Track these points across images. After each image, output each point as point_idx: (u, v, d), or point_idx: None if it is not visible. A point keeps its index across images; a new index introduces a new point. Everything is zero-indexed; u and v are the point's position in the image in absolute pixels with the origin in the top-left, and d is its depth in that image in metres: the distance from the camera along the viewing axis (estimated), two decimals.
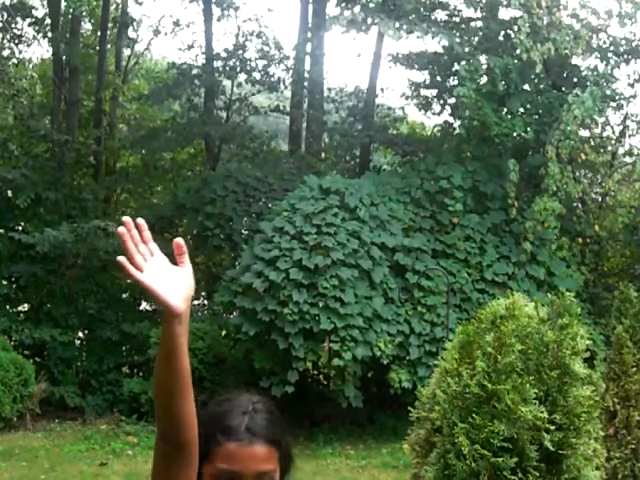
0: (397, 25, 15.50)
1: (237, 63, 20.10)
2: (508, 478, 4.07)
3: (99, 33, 20.90)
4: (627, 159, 17.04)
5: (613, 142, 17.24)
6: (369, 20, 16.58)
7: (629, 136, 17.36)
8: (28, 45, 21.08)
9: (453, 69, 17.17)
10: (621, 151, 17.40)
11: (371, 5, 15.29)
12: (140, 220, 1.72)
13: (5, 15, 19.99)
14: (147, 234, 1.74)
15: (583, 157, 15.63)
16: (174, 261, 1.81)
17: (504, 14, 16.67)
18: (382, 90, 21.06)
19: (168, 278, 1.75)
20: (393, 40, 16.15)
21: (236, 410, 1.93)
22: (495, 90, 15.18)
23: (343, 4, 18.38)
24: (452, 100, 18.39)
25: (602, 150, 16.80)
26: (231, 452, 1.86)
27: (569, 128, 14.32)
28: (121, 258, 1.67)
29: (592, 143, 16.51)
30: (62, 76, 18.94)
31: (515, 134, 15.35)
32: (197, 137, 20.19)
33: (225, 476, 1.85)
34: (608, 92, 15.38)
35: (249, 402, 1.95)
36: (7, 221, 17.61)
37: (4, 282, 16.97)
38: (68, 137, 17.97)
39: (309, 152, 19.41)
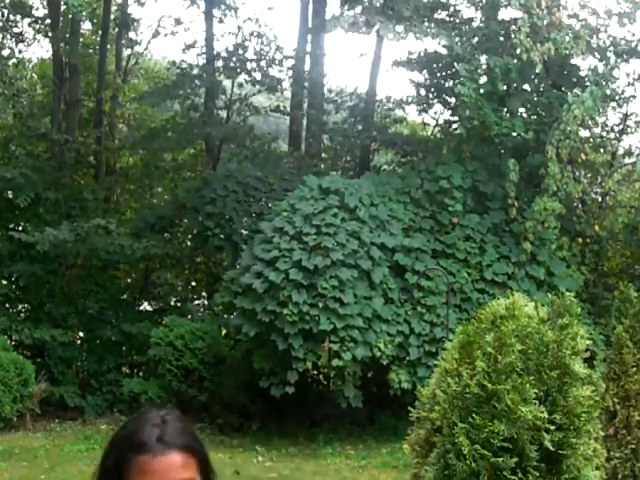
0: (397, 28, 15.51)
1: (237, 63, 20.10)
2: (508, 478, 4.07)
3: (99, 33, 20.91)
4: (627, 159, 17.03)
5: (613, 142, 17.23)
6: (368, 21, 16.59)
7: (629, 134, 17.37)
8: (28, 45, 21.08)
9: (453, 69, 17.17)
10: (621, 151, 17.40)
11: (377, 3, 15.26)
12: None
13: (5, 14, 19.98)
14: None
15: (583, 157, 15.62)
16: None
17: (504, 14, 16.70)
18: (385, 98, 21.07)
19: None
20: (393, 41, 16.16)
21: (146, 425, 1.83)
22: (495, 90, 15.17)
23: (346, 6, 18.40)
24: (452, 100, 18.40)
25: (602, 150, 16.80)
26: (144, 466, 1.76)
27: (569, 128, 14.32)
28: None
29: (592, 143, 16.51)
30: (62, 76, 18.94)
31: (515, 134, 15.35)
32: (197, 137, 20.19)
33: None
34: (608, 92, 15.38)
35: (157, 415, 1.86)
36: (7, 221, 17.61)
37: (4, 282, 16.98)
38: (68, 137, 17.97)
39: (309, 152, 19.41)
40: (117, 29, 21.50)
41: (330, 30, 17.29)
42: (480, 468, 4.12)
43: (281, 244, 13.60)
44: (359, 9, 17.75)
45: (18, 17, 20.23)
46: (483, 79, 15.71)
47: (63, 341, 15.84)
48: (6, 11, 19.87)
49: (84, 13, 16.27)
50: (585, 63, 16.69)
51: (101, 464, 1.86)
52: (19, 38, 20.73)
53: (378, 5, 17.28)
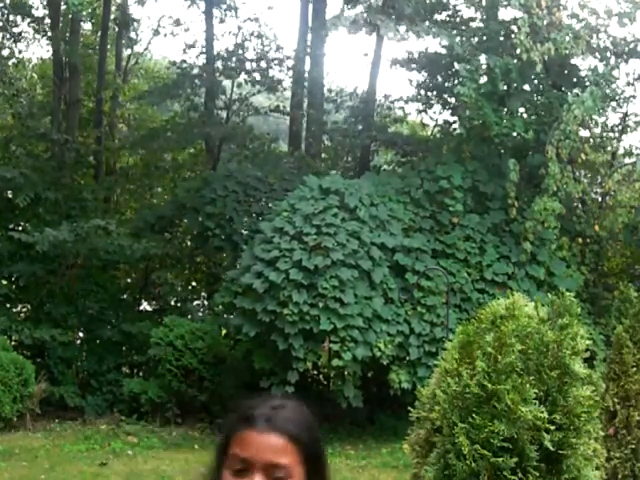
0: (397, 27, 15.51)
1: (237, 63, 20.10)
2: (508, 478, 4.07)
3: (99, 33, 20.91)
4: (627, 159, 17.03)
5: (613, 142, 17.23)
6: (370, 21, 16.58)
7: (629, 134, 17.38)
8: (28, 45, 21.10)
9: (453, 69, 17.17)
10: (621, 151, 17.40)
11: (377, 2, 15.25)
12: None
13: (5, 14, 19.98)
14: None
15: (583, 157, 15.62)
16: None
17: (504, 14, 16.70)
18: (384, 96, 21.06)
19: None
20: (393, 40, 16.16)
21: (264, 404, 1.88)
22: (495, 90, 15.17)
23: (348, 5, 18.39)
24: (452, 100, 18.40)
25: (602, 150, 16.80)
26: (246, 439, 1.80)
27: (569, 128, 14.32)
28: None
29: (592, 143, 16.51)
30: (62, 76, 18.94)
31: (515, 134, 15.35)
32: (197, 137, 20.18)
33: (236, 463, 1.79)
34: (608, 92, 15.38)
35: (280, 400, 1.91)
36: (7, 221, 17.61)
37: (4, 282, 16.97)
38: (68, 137, 17.97)
39: (309, 152, 19.40)
40: (117, 29, 21.50)
41: (330, 30, 17.28)
42: (480, 468, 4.12)
43: (281, 244, 13.60)
44: (360, 8, 17.76)
45: (18, 17, 20.22)
46: (483, 79, 15.71)
47: (63, 341, 15.83)
48: (6, 11, 19.86)
49: (84, 13, 16.28)
50: (585, 63, 16.72)
51: (220, 427, 1.96)
52: (19, 38, 20.73)
53: (379, 4, 17.27)
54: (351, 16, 17.02)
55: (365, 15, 16.76)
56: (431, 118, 20.23)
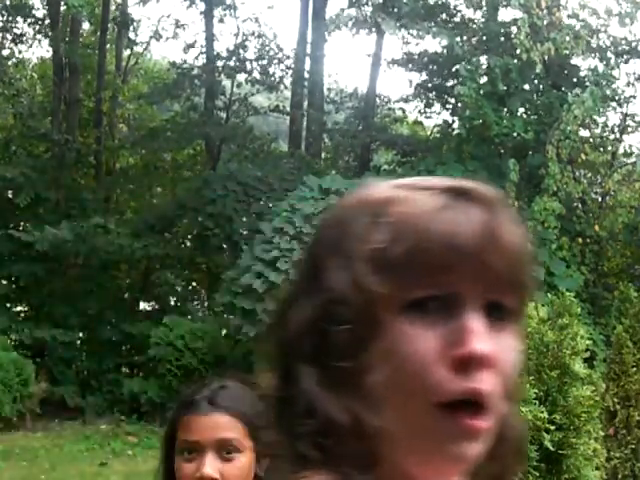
0: (398, 25, 15.50)
1: (237, 63, 20.09)
2: None
3: (99, 33, 20.89)
4: (627, 159, 17.03)
5: (613, 142, 17.23)
6: (370, 19, 16.59)
7: (629, 133, 17.37)
8: (29, 46, 21.08)
9: (453, 69, 17.16)
10: (621, 151, 17.40)
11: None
12: None
13: (5, 15, 19.98)
14: None
15: (583, 157, 15.62)
16: None
17: (504, 14, 16.69)
18: (385, 98, 21.04)
19: None
20: (394, 39, 16.17)
21: (205, 388, 1.91)
22: (495, 90, 15.16)
23: (347, 4, 18.38)
24: (452, 100, 18.39)
25: (602, 150, 16.80)
26: (190, 423, 1.84)
27: (569, 128, 14.32)
28: None
29: (592, 143, 16.51)
30: (62, 76, 18.93)
31: (515, 134, 15.34)
32: (197, 137, 20.17)
33: (186, 448, 1.83)
34: (608, 92, 15.38)
35: (221, 381, 1.93)
36: (7, 221, 17.61)
37: (4, 282, 16.97)
38: (68, 137, 17.97)
39: (309, 152, 19.40)
40: (117, 29, 21.49)
41: (330, 30, 17.29)
42: None
43: (281, 244, 13.59)
44: (361, 8, 17.75)
45: (18, 18, 20.21)
46: (483, 79, 15.71)
47: (63, 341, 15.83)
48: (6, 12, 19.85)
49: (84, 13, 16.27)
50: (585, 63, 16.71)
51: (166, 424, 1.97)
52: (19, 39, 20.72)
53: (380, 1, 17.26)
54: (352, 15, 17.01)
55: (366, 14, 16.75)
56: (432, 117, 20.24)
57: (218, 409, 1.85)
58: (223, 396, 1.87)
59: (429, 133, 20.91)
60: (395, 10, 16.69)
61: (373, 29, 17.74)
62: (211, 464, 1.81)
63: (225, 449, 1.83)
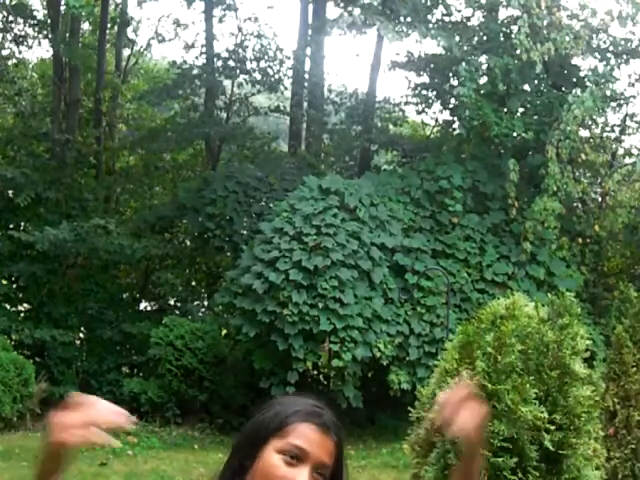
0: (396, 28, 15.50)
1: (237, 63, 20.08)
2: (508, 478, 4.07)
3: (98, 33, 20.90)
4: (627, 159, 17.04)
5: (613, 142, 17.23)
6: (368, 22, 16.58)
7: (629, 134, 17.38)
8: (29, 48, 21.06)
9: (453, 69, 17.16)
10: (621, 151, 17.41)
11: (375, 2, 15.23)
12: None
13: (6, 15, 19.97)
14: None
15: (583, 157, 15.62)
16: None
17: (504, 14, 16.69)
18: (384, 99, 21.02)
19: None
20: (393, 41, 16.14)
21: (307, 401, 1.97)
22: (495, 90, 15.18)
23: (342, 4, 18.36)
24: (452, 100, 18.39)
25: (602, 150, 16.81)
26: (308, 432, 1.89)
27: (569, 128, 14.33)
28: None
29: (592, 143, 16.51)
30: (62, 76, 18.93)
31: (515, 134, 15.35)
32: (197, 137, 20.17)
33: (294, 452, 1.87)
34: (608, 92, 15.39)
35: (315, 401, 1.99)
36: (7, 220, 17.61)
37: (4, 282, 16.96)
38: (69, 137, 17.98)
39: (309, 152, 19.40)
40: (117, 29, 21.49)
41: (329, 32, 17.30)
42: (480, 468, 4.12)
43: (281, 244, 13.60)
44: (358, 10, 17.74)
45: (19, 19, 20.21)
46: (483, 79, 15.72)
47: (63, 341, 15.84)
48: (6, 13, 19.85)
49: (84, 13, 16.26)
50: (585, 63, 16.72)
51: (259, 415, 1.96)
52: (20, 41, 20.72)
53: (376, 3, 17.25)
54: (350, 18, 17.01)
55: (362, 17, 16.74)
56: (432, 118, 20.23)
57: (330, 432, 1.92)
58: (332, 419, 1.94)
59: (429, 133, 20.92)
60: (393, 11, 16.69)
61: (368, 29, 17.70)
62: (308, 477, 1.86)
63: (320, 471, 1.88)
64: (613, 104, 16.55)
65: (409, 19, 16.25)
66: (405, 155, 19.77)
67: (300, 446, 1.86)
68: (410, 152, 19.35)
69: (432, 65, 18.34)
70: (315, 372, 16.33)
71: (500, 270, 14.60)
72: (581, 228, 16.08)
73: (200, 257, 19.00)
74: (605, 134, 17.27)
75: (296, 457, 1.86)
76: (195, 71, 20.14)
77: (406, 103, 20.22)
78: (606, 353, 8.18)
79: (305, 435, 1.88)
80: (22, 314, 17.18)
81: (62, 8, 18.71)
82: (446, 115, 19.41)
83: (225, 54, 20.10)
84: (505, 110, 15.63)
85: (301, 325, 13.18)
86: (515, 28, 15.34)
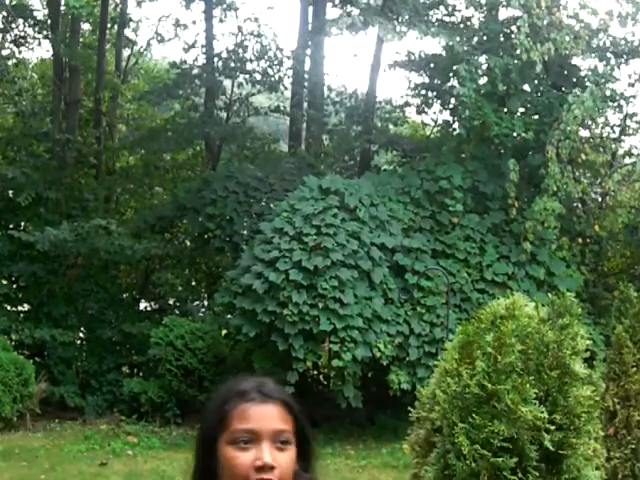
0: (396, 27, 15.50)
1: (237, 63, 20.08)
2: (508, 478, 4.07)
3: (98, 33, 20.89)
4: (627, 159, 17.03)
5: (613, 142, 17.23)
6: (368, 21, 16.57)
7: (629, 134, 17.37)
8: (30, 49, 21.06)
9: (453, 69, 17.15)
10: (621, 151, 17.40)
11: (375, 3, 15.22)
12: None
13: (6, 15, 19.97)
14: None
15: (583, 157, 15.62)
16: None
17: (504, 14, 16.69)
18: (384, 100, 21.01)
19: None
20: (393, 41, 16.14)
21: (246, 380, 1.95)
22: (495, 90, 15.17)
23: (339, 4, 18.35)
24: (452, 100, 18.39)
25: (602, 150, 16.81)
26: (246, 411, 1.87)
27: (569, 128, 14.32)
28: None
29: (592, 143, 16.51)
30: (62, 76, 18.93)
31: (515, 134, 15.35)
32: (197, 137, 20.17)
33: (243, 436, 1.85)
34: (608, 92, 15.39)
35: (256, 377, 1.98)
36: (8, 220, 17.62)
37: (4, 282, 16.96)
38: (69, 137, 17.98)
39: (309, 152, 19.40)
40: (117, 29, 21.48)
41: (329, 32, 17.29)
42: (480, 468, 4.13)
43: (281, 244, 13.60)
44: (357, 11, 17.73)
45: (19, 19, 20.21)
46: (483, 79, 15.71)
47: (63, 341, 15.84)
48: (6, 13, 19.84)
49: (84, 14, 16.25)
50: (585, 63, 16.71)
51: (203, 413, 1.98)
52: (20, 41, 20.71)
53: (376, 5, 17.26)
54: (349, 18, 17.01)
55: (361, 18, 16.73)
56: (432, 118, 20.23)
57: (271, 399, 1.89)
58: (271, 388, 1.92)
59: (429, 133, 20.92)
60: (393, 12, 16.69)
61: (367, 29, 17.68)
62: (270, 452, 1.83)
63: (280, 440, 1.86)
64: (613, 104, 16.54)
65: (409, 19, 16.24)
66: (405, 155, 19.77)
67: (245, 428, 1.84)
68: (410, 152, 19.34)
69: (432, 65, 18.34)
70: (315, 372, 16.33)
71: (500, 270, 14.60)
72: (581, 228, 16.08)
73: (200, 257, 19.00)
74: (605, 134, 17.27)
75: (249, 440, 1.84)
76: (195, 71, 20.12)
77: (406, 103, 20.23)
78: (606, 353, 8.18)
79: (245, 415, 1.86)
80: (22, 314, 17.18)
81: (62, 8, 18.73)
82: (446, 115, 19.42)
83: (225, 54, 20.10)
84: (505, 110, 15.63)
85: (301, 325, 13.18)
86: (515, 28, 15.34)
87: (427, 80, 18.95)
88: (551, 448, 4.12)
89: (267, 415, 1.86)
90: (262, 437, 1.84)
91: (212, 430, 1.90)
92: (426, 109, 19.66)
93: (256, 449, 1.83)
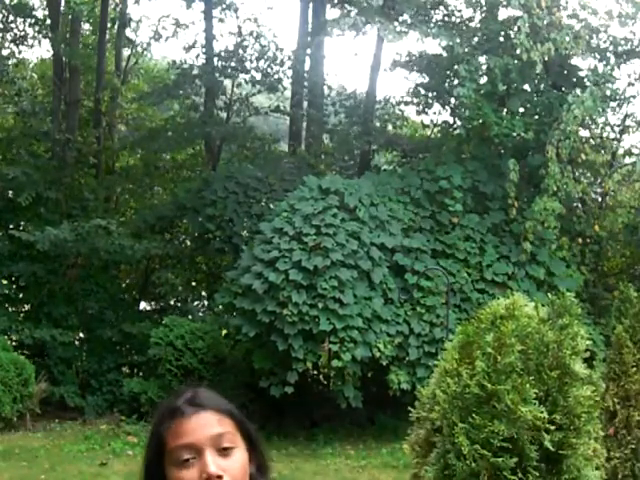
0: (397, 28, 15.49)
1: (237, 63, 20.08)
2: (508, 478, 4.07)
3: (98, 33, 20.89)
4: (627, 159, 17.03)
5: (613, 142, 17.23)
6: (369, 21, 16.56)
7: (629, 134, 17.37)
8: (30, 47, 21.05)
9: (453, 69, 17.15)
10: (621, 151, 17.40)
11: (376, 3, 15.21)
12: None
13: (6, 14, 19.97)
14: None
15: (583, 157, 15.62)
16: None
17: (504, 14, 16.69)
18: (384, 99, 20.99)
19: None
20: (393, 42, 16.13)
21: (179, 394, 1.87)
22: (495, 90, 15.17)
23: (339, 5, 18.34)
24: (452, 100, 18.39)
25: (602, 150, 16.80)
26: (178, 427, 1.78)
27: (569, 128, 14.32)
28: None
29: (592, 143, 16.51)
30: (62, 76, 18.93)
31: (515, 134, 15.35)
32: (197, 137, 20.17)
33: (183, 454, 1.76)
34: (608, 92, 15.38)
35: (190, 388, 1.90)
36: (8, 220, 17.62)
37: (4, 282, 16.96)
38: (69, 136, 17.99)
39: (309, 152, 19.40)
40: (117, 29, 21.47)
41: (329, 32, 17.28)
42: (480, 468, 4.13)
43: (281, 244, 13.60)
44: (357, 11, 17.73)
45: (19, 19, 20.21)
46: (483, 79, 15.71)
47: (63, 341, 15.83)
48: (6, 12, 19.85)
49: (85, 12, 16.26)
50: (585, 63, 16.71)
51: (146, 441, 1.90)
52: (20, 41, 20.72)
53: (377, 5, 17.26)
54: (350, 18, 16.99)
55: (362, 18, 16.72)
56: (432, 118, 20.22)
57: (204, 408, 1.81)
58: (201, 396, 1.84)
59: (429, 133, 20.91)
60: (394, 11, 16.69)
61: (367, 29, 17.68)
62: (214, 462, 1.75)
63: (222, 445, 1.77)
64: (613, 104, 16.54)
65: (409, 19, 16.25)
66: (405, 155, 19.77)
67: (182, 444, 1.77)
68: (410, 152, 19.34)
69: (432, 65, 18.34)
70: (315, 372, 16.33)
71: (500, 270, 14.60)
72: (581, 228, 16.08)
73: (200, 257, 19.01)
74: (605, 134, 17.27)
75: (188, 457, 1.76)
76: (195, 71, 20.12)
77: (406, 103, 20.22)
78: (606, 353, 8.18)
79: (180, 431, 1.78)
80: (22, 314, 17.18)
81: (62, 8, 18.73)
82: (446, 115, 19.42)
83: (225, 54, 20.10)
84: (505, 110, 15.63)
85: (301, 325, 13.17)
86: (515, 28, 15.34)
87: (427, 80, 18.95)
88: (551, 448, 4.12)
89: (202, 425, 1.78)
90: (202, 448, 1.76)
91: (156, 459, 1.81)
92: (426, 109, 19.65)
93: (200, 461, 1.75)
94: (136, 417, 14.65)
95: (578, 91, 14.75)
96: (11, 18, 20.23)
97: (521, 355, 4.29)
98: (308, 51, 19.66)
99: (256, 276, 13.53)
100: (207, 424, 1.78)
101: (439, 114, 19.63)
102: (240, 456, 1.80)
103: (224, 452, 1.78)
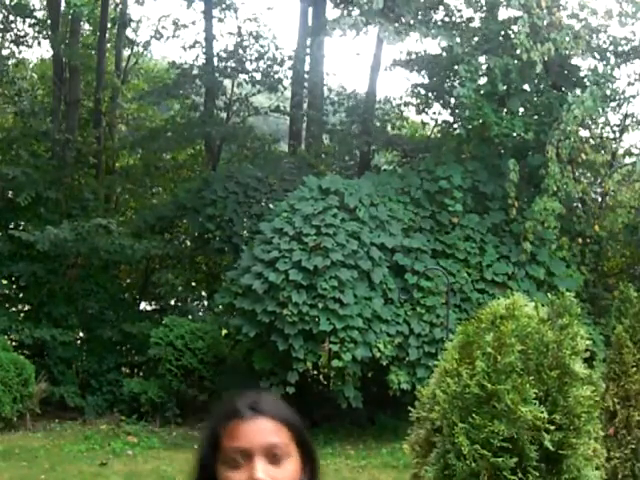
0: (397, 28, 15.48)
1: (237, 63, 20.08)
2: (508, 478, 4.07)
3: (98, 33, 20.89)
4: (627, 159, 17.03)
5: (613, 142, 17.23)
6: (370, 22, 16.56)
7: (629, 133, 17.37)
8: (29, 47, 21.04)
9: (453, 69, 17.15)
10: (621, 151, 17.40)
11: (374, 5, 15.20)
12: None
13: (5, 14, 19.97)
14: None
15: (583, 157, 15.62)
16: None
17: (504, 14, 16.68)
18: (384, 99, 20.99)
19: None
20: (394, 43, 16.12)
21: (241, 396, 1.91)
22: (495, 90, 15.17)
23: (342, 6, 18.34)
24: (452, 100, 18.39)
25: (602, 150, 16.80)
26: (234, 429, 1.83)
27: (569, 128, 14.32)
28: None
29: (592, 143, 16.51)
30: (62, 76, 18.93)
31: (515, 134, 15.35)
32: (197, 137, 20.17)
33: (234, 456, 1.81)
34: (608, 92, 15.38)
35: (259, 393, 1.94)
36: (8, 220, 17.61)
37: (4, 282, 16.97)
38: (69, 136, 17.99)
39: (309, 152, 19.40)
40: (117, 29, 21.48)
41: (330, 32, 17.28)
42: (480, 468, 4.13)
43: (281, 245, 13.60)
44: (357, 12, 17.72)
45: (19, 19, 20.21)
46: (483, 79, 15.71)
47: (63, 341, 15.84)
48: (6, 12, 19.85)
49: (85, 12, 16.24)
50: (585, 63, 16.71)
51: (202, 435, 1.94)
52: (20, 41, 20.72)
53: (377, 7, 17.23)
54: (351, 19, 16.98)
55: (362, 19, 16.72)
56: (432, 118, 20.22)
57: (263, 414, 1.84)
58: (263, 402, 1.87)
59: (429, 133, 20.92)
60: (394, 13, 16.68)
61: (367, 32, 17.67)
62: (262, 469, 1.79)
63: (273, 454, 1.81)
64: (613, 104, 16.54)
65: (410, 20, 16.24)
66: (405, 155, 19.77)
67: (236, 447, 1.81)
68: (410, 152, 19.34)
69: (432, 65, 18.34)
70: (315, 372, 16.33)
71: (500, 270, 14.60)
72: (581, 228, 16.08)
73: (200, 257, 19.01)
74: (605, 134, 17.27)
75: (240, 459, 1.80)
76: (195, 71, 20.13)
77: (406, 103, 20.23)
78: (606, 353, 8.18)
79: (236, 434, 1.82)
80: (22, 314, 17.18)
81: (62, 8, 18.73)
82: (446, 115, 19.42)
83: (225, 54, 20.10)
84: (505, 110, 15.62)
85: (301, 325, 13.17)
86: (515, 28, 15.33)
87: (427, 80, 18.95)
88: (551, 448, 4.12)
89: (258, 431, 1.82)
90: (254, 454, 1.80)
91: (208, 452, 1.86)
92: (426, 109, 19.66)
93: (249, 466, 1.79)
94: (136, 417, 14.66)
95: (578, 91, 14.74)
96: (11, 18, 20.24)
97: (521, 355, 4.29)
98: (308, 51, 19.67)
99: (256, 276, 13.53)
100: (263, 431, 1.82)
101: (439, 114, 19.65)
102: (291, 466, 1.84)
103: (275, 460, 1.81)
